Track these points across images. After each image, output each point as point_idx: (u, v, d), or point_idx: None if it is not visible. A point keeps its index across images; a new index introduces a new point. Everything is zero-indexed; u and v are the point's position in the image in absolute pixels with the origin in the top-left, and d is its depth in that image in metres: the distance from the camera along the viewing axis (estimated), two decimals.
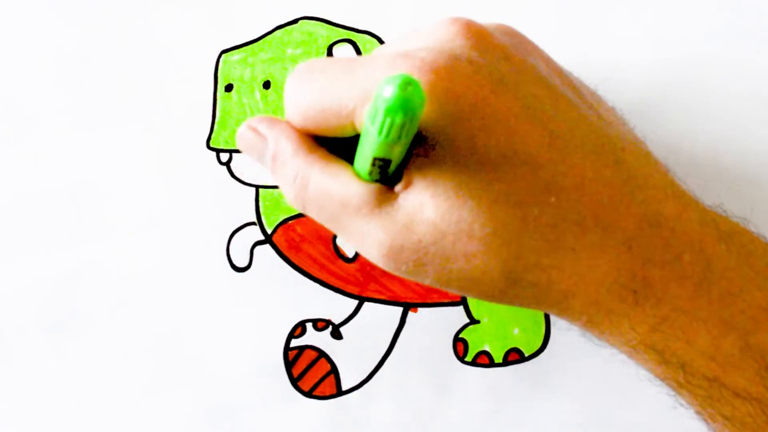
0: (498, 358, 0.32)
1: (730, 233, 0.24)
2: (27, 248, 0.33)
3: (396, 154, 0.22)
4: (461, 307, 0.32)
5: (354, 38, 0.33)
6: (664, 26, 0.33)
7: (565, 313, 0.24)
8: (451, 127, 0.22)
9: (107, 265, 0.32)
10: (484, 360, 0.32)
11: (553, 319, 0.32)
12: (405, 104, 0.19)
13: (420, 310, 0.32)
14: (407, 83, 0.19)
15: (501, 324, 0.32)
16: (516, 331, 0.32)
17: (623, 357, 0.25)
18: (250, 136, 0.27)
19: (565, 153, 0.23)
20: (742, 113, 0.32)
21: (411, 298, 0.32)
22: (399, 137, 0.20)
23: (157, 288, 0.32)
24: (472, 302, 0.32)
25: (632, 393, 0.31)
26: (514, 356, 0.32)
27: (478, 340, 0.32)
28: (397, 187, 0.23)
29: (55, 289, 0.32)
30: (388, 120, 0.20)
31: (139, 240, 0.33)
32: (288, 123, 0.26)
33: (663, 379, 0.25)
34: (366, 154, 0.22)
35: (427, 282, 0.24)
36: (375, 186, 0.24)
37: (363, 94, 0.23)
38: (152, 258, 0.32)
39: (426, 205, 0.23)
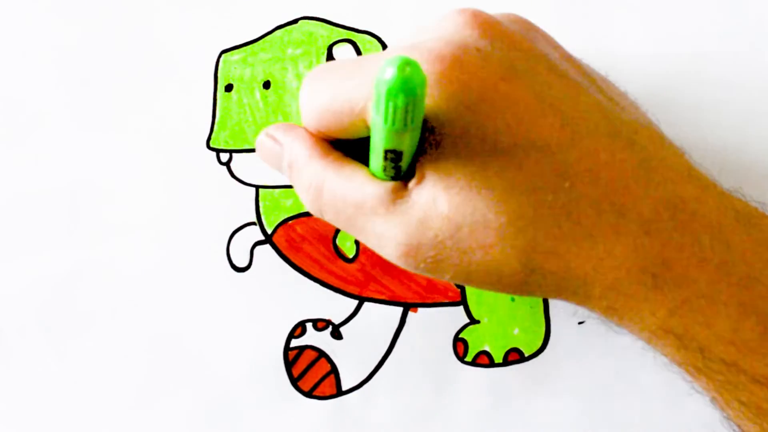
0: (498, 358, 0.32)
1: (748, 217, 0.24)
2: (27, 248, 0.33)
3: (406, 145, 0.22)
4: (461, 307, 0.32)
5: (354, 38, 0.33)
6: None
7: (585, 300, 0.24)
8: (461, 117, 0.22)
9: (107, 265, 0.32)
10: (484, 360, 0.32)
11: (553, 319, 0.32)
12: (405, 84, 0.19)
13: (420, 310, 0.32)
14: (406, 63, 0.19)
15: (501, 324, 0.32)
16: (516, 331, 0.32)
17: (641, 344, 0.25)
18: (268, 143, 0.27)
19: (577, 137, 0.23)
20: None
21: (411, 298, 0.32)
22: (405, 123, 0.20)
23: (157, 288, 0.32)
24: (472, 302, 0.32)
25: (632, 393, 0.31)
26: (514, 356, 0.32)
27: (478, 340, 0.32)
28: (411, 183, 0.23)
29: (55, 289, 0.32)
30: (391, 104, 0.19)
31: (139, 240, 0.33)
32: (304, 129, 0.26)
33: (681, 365, 0.24)
34: (377, 148, 0.22)
35: (447, 278, 0.24)
36: (389, 184, 0.24)
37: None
38: (152, 258, 0.32)
39: (439, 198, 0.23)
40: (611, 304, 0.23)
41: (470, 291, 0.32)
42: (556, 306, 0.32)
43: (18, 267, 0.32)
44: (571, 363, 0.32)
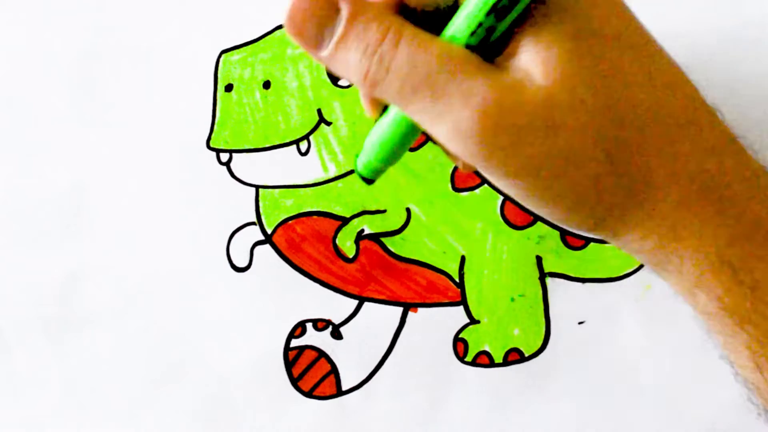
0: (498, 358, 0.32)
1: None
2: (27, 248, 0.33)
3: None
4: (461, 307, 0.32)
5: None
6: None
7: (651, 216, 0.23)
8: None
9: (107, 264, 0.32)
10: (484, 360, 0.32)
11: (553, 319, 0.32)
12: None
13: (420, 310, 0.32)
14: None
15: (501, 324, 0.32)
16: (516, 331, 0.32)
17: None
18: None
19: (664, 56, 0.24)
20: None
21: (411, 298, 0.32)
22: None
23: (158, 288, 0.32)
24: (472, 302, 0.32)
25: (632, 393, 0.31)
26: (514, 356, 0.32)
27: (478, 340, 0.32)
28: (507, 51, 0.22)
29: (56, 289, 0.32)
30: None
31: (140, 240, 0.33)
32: None
33: (725, 311, 0.24)
34: (473, 10, 0.21)
35: (510, 170, 0.22)
36: (474, 53, 0.22)
37: None
38: (152, 258, 0.32)
39: (535, 70, 0.22)
40: (675, 223, 0.23)
41: (470, 291, 0.32)
42: (556, 306, 0.32)
43: (18, 267, 0.32)
44: (571, 363, 0.32)
